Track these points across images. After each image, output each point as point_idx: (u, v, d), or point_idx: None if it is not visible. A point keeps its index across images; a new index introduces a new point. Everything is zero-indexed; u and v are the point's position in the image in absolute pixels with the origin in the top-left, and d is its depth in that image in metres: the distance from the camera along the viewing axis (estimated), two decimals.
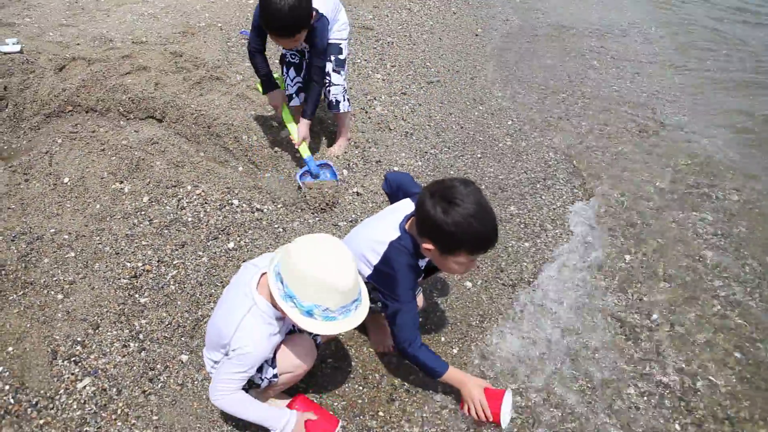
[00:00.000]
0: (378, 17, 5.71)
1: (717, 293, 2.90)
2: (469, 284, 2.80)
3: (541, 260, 3.01)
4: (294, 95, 3.38)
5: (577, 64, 5.42)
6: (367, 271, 2.02)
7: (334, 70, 3.27)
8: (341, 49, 3.27)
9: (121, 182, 3.14)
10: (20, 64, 3.93)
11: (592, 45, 5.91)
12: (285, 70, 3.36)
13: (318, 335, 2.07)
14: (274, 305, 1.77)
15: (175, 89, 3.87)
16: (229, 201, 3.08)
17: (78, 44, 4.42)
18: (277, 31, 2.78)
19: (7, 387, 2.07)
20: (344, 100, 3.37)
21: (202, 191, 3.10)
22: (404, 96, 4.33)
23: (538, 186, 3.57)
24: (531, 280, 2.87)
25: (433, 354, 2.05)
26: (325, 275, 1.65)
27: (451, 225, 1.76)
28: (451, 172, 3.57)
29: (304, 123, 3.19)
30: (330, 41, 3.17)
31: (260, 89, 3.33)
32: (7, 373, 2.12)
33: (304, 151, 3.23)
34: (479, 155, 3.75)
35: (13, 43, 4.16)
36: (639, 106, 4.69)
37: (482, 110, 4.33)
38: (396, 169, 3.51)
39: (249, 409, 1.86)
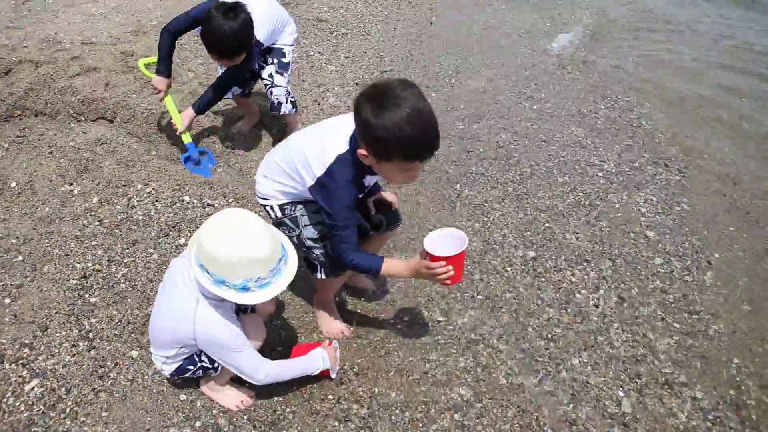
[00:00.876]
0: (333, 9, 5.74)
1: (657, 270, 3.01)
2: None
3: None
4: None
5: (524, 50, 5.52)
6: (309, 182, 1.94)
7: (276, 72, 3.32)
8: (285, 53, 3.33)
9: (71, 184, 3.14)
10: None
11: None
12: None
13: (252, 314, 2.15)
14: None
15: (125, 89, 3.88)
16: (180, 198, 3.10)
17: (25, 47, 4.37)
18: (215, 53, 2.87)
19: None
20: (286, 102, 3.40)
21: (153, 189, 3.12)
22: (357, 86, 4.37)
23: (488, 166, 3.65)
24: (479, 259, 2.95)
25: (367, 255, 2.03)
26: (242, 251, 1.68)
27: (382, 129, 1.67)
28: None
29: (190, 113, 3.25)
30: (274, 46, 3.26)
31: (143, 69, 3.40)
32: None
33: (186, 138, 3.32)
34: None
35: None
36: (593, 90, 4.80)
37: (435, 97, 4.39)
38: None
39: (289, 369, 2.10)
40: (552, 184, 3.51)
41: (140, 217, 2.96)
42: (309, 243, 2.15)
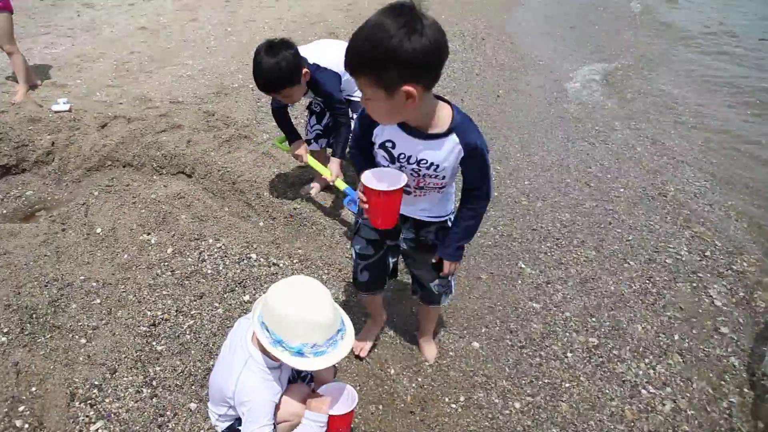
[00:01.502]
0: None
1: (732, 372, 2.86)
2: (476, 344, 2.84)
3: None
4: (312, 141, 3.58)
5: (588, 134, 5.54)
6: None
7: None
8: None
9: (149, 234, 3.33)
10: (68, 122, 4.25)
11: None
12: (308, 116, 3.58)
13: (311, 383, 2.17)
14: (267, 354, 1.85)
15: (205, 146, 4.12)
16: (248, 255, 3.22)
17: (121, 103, 4.75)
18: (260, 87, 2.95)
19: (26, 426, 2.19)
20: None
21: (223, 245, 3.26)
22: None
23: (552, 245, 3.61)
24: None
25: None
26: (305, 313, 1.73)
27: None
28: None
29: (336, 162, 3.30)
30: (354, 99, 3.34)
31: (280, 146, 3.51)
32: (28, 412, 2.24)
33: (341, 184, 3.34)
34: (492, 212, 3.83)
35: (64, 103, 4.51)
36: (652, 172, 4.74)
37: (500, 170, 4.44)
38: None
39: None
40: (617, 269, 3.44)
41: (209, 271, 3.09)
42: None
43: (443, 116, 1.82)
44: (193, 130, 4.34)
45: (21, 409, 2.27)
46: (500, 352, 2.79)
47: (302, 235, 3.49)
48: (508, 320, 2.98)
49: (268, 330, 1.79)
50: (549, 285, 3.26)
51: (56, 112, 4.50)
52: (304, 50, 3.07)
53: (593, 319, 3.03)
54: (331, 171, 3.30)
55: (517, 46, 7.74)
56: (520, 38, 8.11)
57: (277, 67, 2.84)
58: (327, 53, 3.16)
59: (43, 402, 2.31)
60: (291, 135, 3.39)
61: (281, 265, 3.18)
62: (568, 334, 2.92)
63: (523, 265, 3.41)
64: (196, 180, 3.90)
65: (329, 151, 3.66)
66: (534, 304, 3.11)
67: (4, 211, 3.72)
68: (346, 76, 3.20)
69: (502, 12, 9.49)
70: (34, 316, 2.69)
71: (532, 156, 4.78)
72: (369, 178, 1.84)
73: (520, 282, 3.27)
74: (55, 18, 7.37)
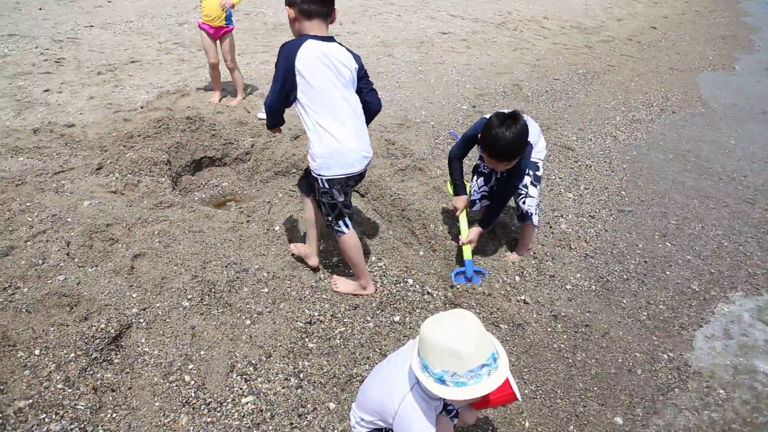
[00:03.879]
0: (581, 140, 5.85)
1: None
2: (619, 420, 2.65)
3: None
4: (477, 201, 3.61)
5: None
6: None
7: (531, 184, 3.46)
8: (539, 167, 3.49)
9: (320, 240, 3.59)
10: (268, 130, 4.77)
11: None
12: (475, 177, 3.63)
13: (455, 419, 2.16)
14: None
15: (381, 171, 4.37)
16: (405, 279, 3.34)
17: None
18: (500, 157, 3.01)
19: (192, 382, 2.47)
20: (536, 213, 3.52)
21: (384, 264, 3.42)
22: (592, 219, 4.34)
23: (718, 336, 3.27)
24: None
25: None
26: (446, 340, 1.74)
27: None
28: (624, 301, 3.46)
29: (478, 230, 3.45)
30: (530, 160, 3.41)
31: (450, 190, 3.61)
32: (196, 371, 2.53)
33: (467, 253, 3.44)
34: (656, 295, 3.57)
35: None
36: None
37: (669, 247, 4.14)
38: (568, 287, 3.50)
39: None
40: None
41: None
42: None
43: None
44: (375, 155, 4.63)
45: (190, 367, 2.57)
46: None
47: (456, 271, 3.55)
48: None
49: (419, 355, 1.85)
50: None
51: (260, 119, 5.09)
52: None
53: None
54: (471, 235, 3.43)
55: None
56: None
57: (521, 138, 2.98)
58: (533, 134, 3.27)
59: (208, 366, 2.59)
60: (458, 188, 3.51)
61: (434, 295, 3.25)
62: None
63: None
64: (368, 200, 4.15)
65: None
66: None
67: (203, 196, 4.26)
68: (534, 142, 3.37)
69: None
70: (213, 291, 3.03)
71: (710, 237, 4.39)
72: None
73: None
74: (273, 40, 8.34)
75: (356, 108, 2.78)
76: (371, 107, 2.92)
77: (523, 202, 3.49)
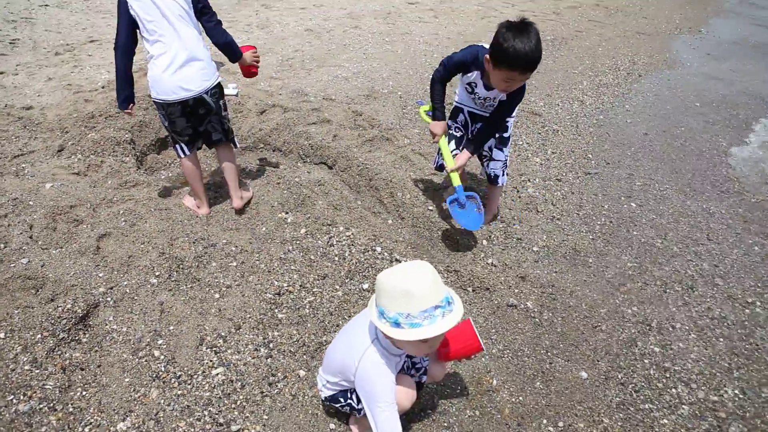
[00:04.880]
0: (548, 105, 5.90)
1: None
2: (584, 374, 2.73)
3: None
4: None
5: None
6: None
7: (496, 147, 3.42)
8: (507, 127, 3.40)
9: (287, 213, 3.59)
10: (234, 105, 4.71)
11: None
12: (447, 140, 3.53)
13: (423, 376, 2.21)
14: (390, 339, 1.92)
15: (348, 143, 4.36)
16: (373, 247, 3.36)
17: (280, 94, 5.17)
18: (524, 67, 2.76)
19: (162, 357, 2.48)
20: (503, 174, 3.51)
21: (352, 234, 3.44)
22: (558, 182, 4.39)
23: (677, 289, 3.37)
24: None
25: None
26: (400, 282, 1.78)
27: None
28: (589, 260, 3.54)
29: (466, 154, 3.28)
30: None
31: (423, 115, 3.54)
32: (165, 346, 2.54)
33: (455, 179, 3.32)
34: (620, 254, 3.65)
35: (233, 88, 5.01)
36: None
37: (633, 207, 4.22)
38: (535, 249, 3.56)
39: None
40: None
41: (335, 256, 3.27)
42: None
43: None
44: (340, 126, 4.61)
45: (159, 342, 2.57)
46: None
47: (427, 237, 3.58)
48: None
49: (376, 305, 1.88)
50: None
51: (226, 95, 5.01)
52: None
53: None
54: (458, 160, 3.29)
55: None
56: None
57: (540, 44, 2.78)
58: None
59: (177, 340, 2.59)
60: (438, 112, 3.31)
61: (403, 261, 3.28)
62: (683, 387, 2.71)
63: None
64: (336, 171, 4.15)
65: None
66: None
67: (170, 174, 4.21)
68: None
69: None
70: (181, 266, 3.03)
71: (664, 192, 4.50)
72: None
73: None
74: (238, 15, 8.19)
75: (187, 40, 3.08)
76: (214, 40, 3.24)
77: (488, 165, 3.49)
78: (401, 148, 4.40)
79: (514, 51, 2.71)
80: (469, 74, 3.18)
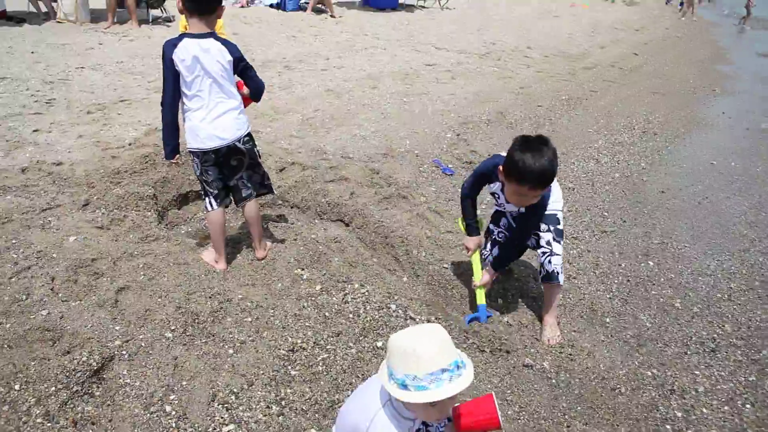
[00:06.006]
0: (564, 164, 5.95)
1: None
2: None
3: None
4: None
5: None
6: None
7: (554, 240, 3.20)
8: (558, 219, 3.22)
9: (302, 269, 3.62)
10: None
11: None
12: (490, 247, 3.49)
13: None
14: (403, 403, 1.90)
15: (365, 200, 4.43)
16: (388, 305, 3.36)
17: (299, 152, 5.31)
18: (534, 183, 2.69)
19: (173, 412, 2.47)
20: (562, 272, 3.24)
21: (367, 291, 3.44)
22: (575, 240, 4.39)
23: (699, 351, 3.29)
24: None
25: None
26: (408, 343, 1.76)
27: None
28: (607, 320, 3.48)
29: (491, 272, 3.28)
30: (547, 212, 3.13)
31: (462, 227, 3.44)
32: (177, 401, 2.53)
33: (480, 297, 3.30)
34: (638, 313, 3.60)
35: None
36: None
37: (651, 266, 4.18)
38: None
39: None
40: None
41: (350, 313, 3.27)
42: None
43: None
44: (358, 184, 4.70)
45: (172, 397, 2.57)
46: None
47: (442, 295, 3.57)
48: None
49: (387, 366, 1.87)
50: None
51: None
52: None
53: None
54: (484, 278, 3.27)
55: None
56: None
57: (556, 159, 2.71)
58: None
59: (189, 396, 2.59)
60: (471, 228, 3.33)
61: (417, 320, 3.27)
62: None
63: None
64: (352, 229, 4.20)
65: None
66: None
67: (189, 229, 4.30)
68: None
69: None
70: (196, 321, 3.05)
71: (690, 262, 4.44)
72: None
73: None
74: (261, 76, 8.48)
75: (224, 95, 3.27)
76: (253, 85, 3.51)
77: (549, 261, 3.20)
78: (417, 206, 4.45)
79: (524, 165, 2.64)
80: (491, 185, 3.16)
